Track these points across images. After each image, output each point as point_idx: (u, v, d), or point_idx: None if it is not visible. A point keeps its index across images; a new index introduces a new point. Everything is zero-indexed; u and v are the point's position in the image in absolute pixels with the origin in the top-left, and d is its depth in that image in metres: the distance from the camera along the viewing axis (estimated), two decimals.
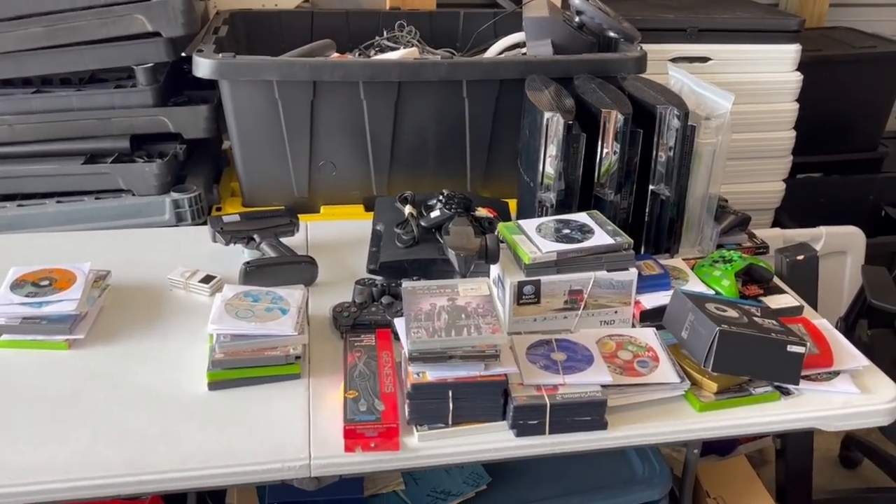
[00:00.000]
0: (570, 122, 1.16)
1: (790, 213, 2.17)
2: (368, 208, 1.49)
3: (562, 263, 1.06)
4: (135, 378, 1.00)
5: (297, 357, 1.00)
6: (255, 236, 1.26)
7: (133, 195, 1.38)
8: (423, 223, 1.26)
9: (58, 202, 1.37)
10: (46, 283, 1.09)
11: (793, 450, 1.49)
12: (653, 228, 1.28)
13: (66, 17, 1.29)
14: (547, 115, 1.17)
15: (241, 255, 1.27)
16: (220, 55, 1.30)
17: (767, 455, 1.64)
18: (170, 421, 0.92)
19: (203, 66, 1.30)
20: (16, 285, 1.08)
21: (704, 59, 1.92)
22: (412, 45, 1.58)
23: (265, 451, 0.89)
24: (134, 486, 0.84)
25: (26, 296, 1.06)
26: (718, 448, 1.54)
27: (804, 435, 1.49)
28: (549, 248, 1.07)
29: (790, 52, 1.95)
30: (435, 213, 1.26)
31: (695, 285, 1.16)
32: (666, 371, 0.99)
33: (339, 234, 1.40)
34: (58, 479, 0.83)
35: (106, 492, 0.84)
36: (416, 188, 1.37)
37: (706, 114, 1.26)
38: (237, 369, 0.98)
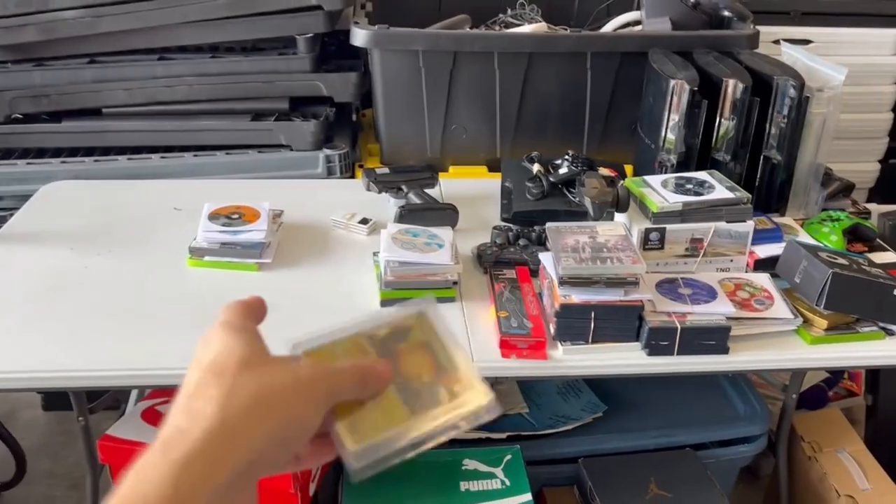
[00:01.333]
0: (695, 89, 1.29)
1: (882, 195, 2.23)
2: (491, 169, 1.64)
3: (686, 213, 1.20)
4: (318, 295, 1.18)
5: (455, 283, 1.17)
6: (404, 186, 1.43)
7: (291, 150, 1.57)
8: (551, 179, 1.41)
9: (227, 154, 1.57)
10: (236, 216, 1.28)
11: (884, 407, 1.58)
12: (763, 190, 1.39)
13: None
14: (672, 81, 1.30)
15: (386, 203, 1.45)
16: (376, 26, 1.47)
17: (857, 414, 1.73)
18: None
19: (360, 36, 1.48)
20: (212, 217, 1.28)
21: (806, 42, 2.00)
22: (536, 22, 1.72)
23: None
24: None
25: (222, 225, 1.26)
26: (810, 402, 1.65)
27: None
28: (675, 199, 1.20)
29: (891, 36, 2.02)
30: (563, 171, 1.41)
31: (805, 240, 1.28)
32: (780, 308, 1.12)
33: (468, 190, 1.55)
34: None
35: None
36: (535, 152, 1.51)
37: (819, 85, 1.37)
38: (405, 290, 1.15)
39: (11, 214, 1.45)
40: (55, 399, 1.86)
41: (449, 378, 0.51)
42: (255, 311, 0.52)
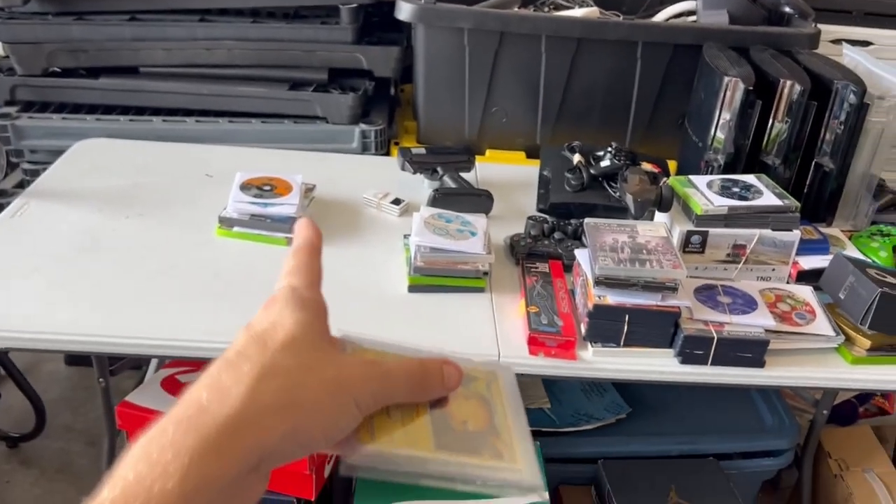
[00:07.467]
0: (750, 88, 1.23)
1: None
2: (529, 156, 1.60)
3: (731, 218, 1.15)
4: (344, 277, 1.15)
5: (485, 273, 1.14)
6: (439, 168, 1.39)
7: (327, 122, 1.54)
8: (592, 171, 1.36)
9: (262, 122, 1.54)
10: (268, 188, 1.26)
11: None
12: (811, 198, 1.34)
13: None
14: (727, 78, 1.24)
15: (420, 184, 1.41)
16: (422, 1, 1.43)
17: (886, 433, 1.68)
18: (379, 311, 1.08)
19: (405, 10, 1.43)
20: (244, 187, 1.26)
21: (866, 44, 1.92)
22: (587, 6, 1.66)
23: (461, 344, 1.03)
24: None
25: (254, 197, 1.24)
26: (839, 417, 1.60)
27: None
28: (721, 202, 1.16)
29: None
30: (605, 163, 1.36)
31: (852, 253, 1.23)
32: (822, 324, 1.07)
33: (504, 176, 1.52)
34: None
35: None
36: (576, 141, 1.46)
37: (880, 93, 1.30)
38: (434, 276, 1.12)
39: (44, 169, 1.44)
40: (78, 355, 1.87)
41: (497, 439, 0.44)
42: (320, 276, 0.48)
